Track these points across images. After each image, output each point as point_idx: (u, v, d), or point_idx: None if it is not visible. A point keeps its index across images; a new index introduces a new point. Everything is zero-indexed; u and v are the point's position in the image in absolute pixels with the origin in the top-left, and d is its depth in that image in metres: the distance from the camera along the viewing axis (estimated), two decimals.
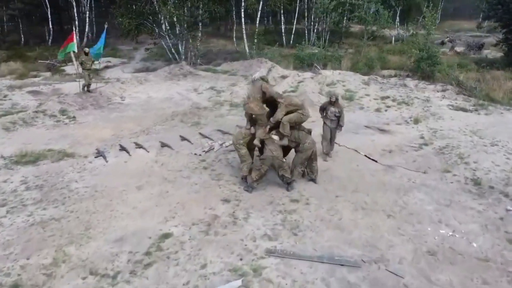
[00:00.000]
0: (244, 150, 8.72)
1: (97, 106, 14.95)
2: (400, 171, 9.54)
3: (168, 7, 19.63)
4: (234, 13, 26.55)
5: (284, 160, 8.46)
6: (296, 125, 8.73)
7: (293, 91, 16.42)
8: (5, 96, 15.82)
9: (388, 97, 15.60)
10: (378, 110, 14.57)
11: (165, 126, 12.93)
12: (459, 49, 29.04)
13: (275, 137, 8.37)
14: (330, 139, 10.28)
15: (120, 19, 20.80)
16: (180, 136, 11.74)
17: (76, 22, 30.99)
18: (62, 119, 13.43)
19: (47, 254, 6.28)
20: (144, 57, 25.77)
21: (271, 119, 8.51)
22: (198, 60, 23.24)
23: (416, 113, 13.85)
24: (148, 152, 10.60)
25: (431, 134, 11.97)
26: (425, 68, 18.67)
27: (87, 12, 31.55)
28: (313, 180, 8.94)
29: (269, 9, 28.39)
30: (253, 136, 8.82)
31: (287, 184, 8.54)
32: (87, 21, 31.89)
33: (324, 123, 10.29)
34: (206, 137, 11.80)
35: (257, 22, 25.85)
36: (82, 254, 6.35)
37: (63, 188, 8.51)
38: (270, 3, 25.87)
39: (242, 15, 24.09)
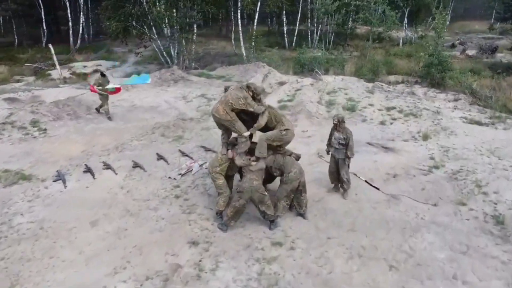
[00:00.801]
0: (221, 181, 7.33)
1: (74, 116, 13.62)
2: (406, 202, 8.08)
3: (158, 8, 18.28)
4: (233, 14, 25.15)
5: (266, 193, 7.01)
6: (279, 148, 7.33)
7: (289, 100, 15.00)
8: None
9: (394, 107, 14.09)
10: (382, 122, 13.08)
11: (144, 141, 11.57)
12: (470, 52, 27.35)
13: (253, 164, 6.96)
14: (337, 173, 8.31)
15: (108, 22, 19.51)
16: (157, 154, 10.39)
17: (70, 23, 29.74)
18: (32, 131, 12.13)
19: None
20: (137, 61, 24.48)
21: (254, 125, 7.14)
22: (193, 64, 21.90)
23: (425, 127, 12.34)
24: (116, 174, 9.26)
25: (443, 153, 10.48)
26: (435, 75, 17.14)
27: (81, 13, 30.28)
28: (302, 215, 7.52)
29: (271, 10, 26.89)
30: (231, 162, 7.43)
31: (270, 222, 7.13)
32: (82, 22, 30.63)
33: (329, 152, 8.53)
34: (186, 155, 10.44)
35: (255, 23, 24.43)
36: None
37: (3, 223, 7.18)
38: (269, 4, 24.42)
39: (239, 17, 22.70)
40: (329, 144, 8.37)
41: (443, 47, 19.81)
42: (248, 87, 7.34)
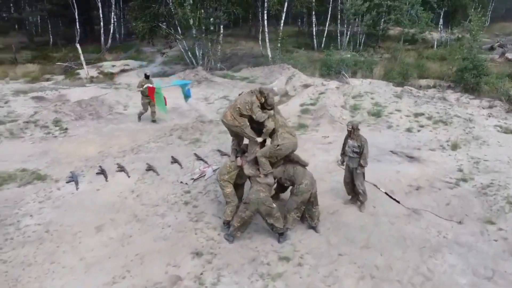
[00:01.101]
0: (229, 189, 7.04)
1: (96, 116, 13.72)
2: (427, 218, 7.52)
3: (184, 9, 18.22)
4: (260, 14, 24.85)
5: (274, 205, 6.64)
6: (287, 158, 6.95)
7: (312, 104, 14.53)
8: (6, 102, 14.94)
9: (422, 113, 13.37)
10: (409, 130, 12.42)
11: (160, 143, 11.45)
12: (510, 55, 25.88)
13: (260, 177, 6.63)
14: (353, 183, 7.81)
15: (134, 23, 19.65)
16: (172, 157, 10.23)
17: (102, 23, 30.31)
18: (53, 131, 12.27)
19: None
20: (165, 61, 24.59)
21: (264, 130, 6.81)
22: (219, 65, 21.75)
23: (455, 136, 11.61)
24: (129, 177, 9.15)
25: (472, 165, 9.78)
26: (469, 80, 16.21)
27: (112, 13, 30.81)
28: (314, 228, 7.12)
29: (297, 10, 26.39)
30: (241, 170, 7.13)
31: (279, 234, 6.77)
32: (113, 21, 31.17)
33: (343, 162, 8.08)
34: (201, 159, 10.23)
35: (281, 24, 24.01)
36: None
37: (12, 224, 7.17)
38: (296, 4, 23.95)
39: (265, 17, 22.36)
40: (343, 153, 7.94)
41: (480, 50, 18.79)
42: (260, 92, 6.99)
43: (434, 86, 17.74)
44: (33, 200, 8.08)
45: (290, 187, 7.16)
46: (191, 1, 18.25)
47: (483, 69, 16.23)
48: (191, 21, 18.80)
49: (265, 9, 21.99)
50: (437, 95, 15.90)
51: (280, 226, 6.68)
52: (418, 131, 12.34)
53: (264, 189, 6.58)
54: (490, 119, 13.14)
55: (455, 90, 16.64)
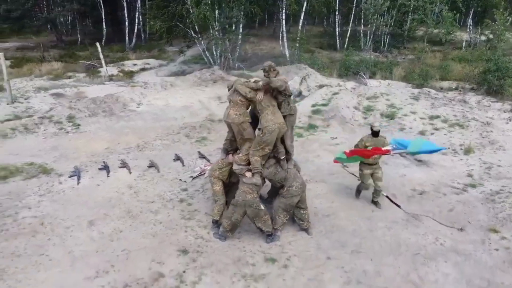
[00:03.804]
0: (218, 187, 6.99)
1: (109, 113, 13.95)
2: (427, 224, 7.22)
3: (200, 8, 18.29)
4: (281, 14, 24.68)
5: (261, 207, 6.51)
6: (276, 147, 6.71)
7: (324, 105, 14.29)
8: (26, 98, 15.42)
9: (438, 116, 12.91)
10: (422, 132, 12.02)
11: (166, 141, 11.53)
12: None
13: (248, 174, 6.51)
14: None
15: (152, 22, 19.89)
16: (175, 154, 10.27)
17: (127, 23, 30.92)
18: (66, 126, 12.54)
19: None
20: (184, 60, 24.80)
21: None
22: (237, 64, 21.73)
23: (470, 140, 11.14)
24: (130, 173, 9.24)
25: (484, 170, 9.36)
26: (492, 82, 15.51)
27: (137, 13, 31.38)
28: (305, 230, 6.95)
29: (316, 10, 26.01)
30: (232, 169, 7.05)
31: (267, 235, 6.64)
32: (139, 21, 31.73)
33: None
34: (204, 157, 10.23)
35: (300, 24, 23.74)
36: None
37: (10, 216, 7.34)
38: (313, 4, 23.62)
39: (284, 17, 22.18)
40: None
41: (505, 51, 17.94)
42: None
43: (456, 88, 17.08)
44: (34, 193, 8.27)
45: (279, 191, 6.99)
46: (208, 1, 18.27)
47: (507, 71, 15.48)
48: (208, 21, 18.83)
49: (283, 9, 21.81)
50: (457, 97, 15.29)
51: (269, 229, 6.55)
52: (432, 134, 11.93)
53: (251, 191, 6.46)
54: (510, 123, 12.54)
55: (477, 93, 15.94)
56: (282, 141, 6.72)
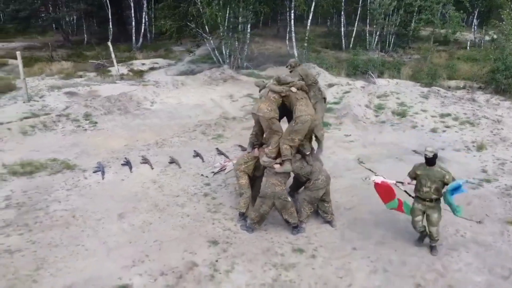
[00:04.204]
0: (244, 180, 7.21)
1: (124, 111, 14.17)
2: (446, 217, 7.30)
3: (212, 8, 18.53)
4: (288, 14, 24.93)
5: (289, 199, 6.75)
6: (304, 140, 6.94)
7: (336, 103, 14.52)
8: (41, 97, 15.65)
9: (449, 114, 13.14)
10: (434, 130, 12.24)
11: (184, 138, 11.76)
12: None
13: (276, 166, 6.72)
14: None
15: (162, 22, 20.15)
16: (194, 151, 10.49)
17: (134, 23, 31.14)
18: (83, 124, 12.77)
19: None
20: (192, 60, 25.04)
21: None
22: (245, 64, 21.97)
23: (482, 137, 11.38)
24: (152, 169, 9.46)
25: (497, 166, 9.59)
26: (501, 81, 15.74)
27: (144, 13, 31.61)
28: (329, 222, 7.18)
29: (324, 10, 26.28)
30: (258, 162, 7.28)
31: (293, 227, 6.87)
32: (145, 21, 31.96)
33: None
34: (222, 153, 10.46)
35: (308, 24, 23.97)
36: None
37: (41, 209, 7.57)
38: (322, 4, 23.87)
39: (292, 17, 22.40)
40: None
41: None
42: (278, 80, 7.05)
43: (463, 87, 17.31)
44: (61, 188, 8.49)
45: (305, 184, 7.23)
46: (220, 1, 18.51)
47: None
48: (219, 20, 19.07)
49: (292, 9, 22.03)
50: (466, 96, 15.54)
51: (294, 220, 6.77)
52: (443, 131, 12.16)
53: (280, 183, 6.68)
54: None
55: (485, 92, 16.17)
56: (309, 137, 6.97)
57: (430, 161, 6.12)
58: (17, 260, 6.06)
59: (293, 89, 6.66)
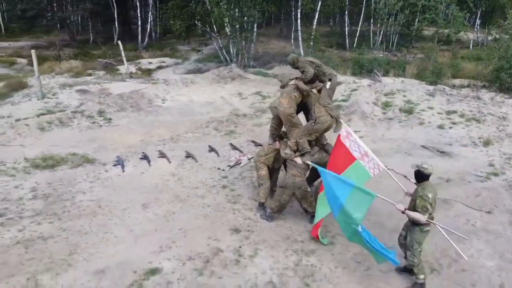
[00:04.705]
0: (264, 172, 7.52)
1: (136, 108, 14.49)
2: (457, 207, 7.76)
3: (220, 8, 18.85)
4: (293, 14, 25.25)
5: (308, 190, 7.08)
6: (321, 144, 7.36)
7: (344, 100, 14.83)
8: (54, 94, 15.94)
9: (455, 111, 13.45)
10: (441, 126, 12.54)
11: (197, 133, 12.07)
12: None
13: (297, 159, 7.04)
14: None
15: (172, 22, 20.47)
16: (209, 146, 10.80)
17: (139, 22, 31.47)
18: (98, 120, 13.09)
19: (17, 283, 5.55)
20: (199, 58, 25.37)
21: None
22: (251, 62, 22.28)
23: (488, 133, 11.69)
24: (170, 162, 9.78)
25: (504, 161, 9.88)
26: (505, 79, 16.03)
27: (149, 13, 31.92)
28: None
29: (331, 10, 26.59)
30: (277, 154, 7.59)
31: (311, 216, 7.18)
32: (150, 21, 32.27)
33: None
34: (236, 148, 10.76)
35: (314, 23, 24.29)
36: (55, 286, 5.54)
37: (67, 199, 7.89)
38: (329, 4, 24.17)
39: (298, 16, 22.71)
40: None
41: None
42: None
43: (468, 86, 17.59)
44: (84, 180, 8.81)
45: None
46: (228, 0, 18.82)
47: None
48: (226, 20, 19.38)
49: (298, 8, 22.33)
50: (471, 94, 15.83)
51: (313, 210, 7.08)
52: (450, 128, 12.46)
53: (300, 174, 7.00)
54: None
55: (490, 90, 16.46)
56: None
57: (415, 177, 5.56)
58: (51, 246, 6.38)
59: (314, 90, 7.05)
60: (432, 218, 5.45)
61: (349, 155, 6.70)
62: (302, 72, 7.28)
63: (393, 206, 5.62)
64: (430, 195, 5.21)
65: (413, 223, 5.48)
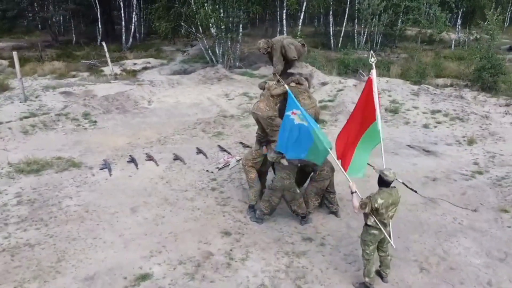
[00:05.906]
0: (253, 175, 7.50)
1: (122, 110, 14.33)
2: (443, 206, 7.88)
3: (206, 8, 18.77)
4: (278, 14, 25.32)
5: (297, 191, 7.11)
6: None
7: (330, 101, 14.94)
8: (36, 97, 15.62)
9: (439, 111, 13.69)
10: (426, 126, 12.74)
11: (185, 135, 12.00)
12: None
13: (283, 161, 7.04)
14: None
15: (157, 23, 20.32)
16: (197, 148, 10.75)
17: (123, 23, 31.14)
18: (83, 123, 12.90)
19: None
20: (184, 59, 25.23)
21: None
22: (237, 63, 22.26)
23: (472, 132, 11.92)
24: (157, 165, 9.70)
25: (488, 159, 10.08)
26: (486, 78, 16.36)
27: (133, 13, 31.59)
28: (334, 213, 7.54)
29: (316, 10, 26.79)
30: (265, 158, 7.59)
31: (301, 218, 7.21)
32: (134, 22, 31.95)
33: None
34: (224, 150, 10.73)
35: (299, 24, 24.41)
36: None
37: (54, 205, 7.76)
38: (314, 4, 24.31)
39: (284, 16, 22.79)
40: None
41: (498, 50, 18.87)
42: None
43: (451, 85, 17.90)
44: (70, 184, 8.67)
45: (311, 176, 7.57)
46: (214, 1, 18.76)
47: (500, 68, 16.36)
48: (212, 20, 19.31)
49: (284, 8, 22.40)
50: (454, 93, 16.09)
51: (303, 211, 7.11)
52: (435, 127, 12.66)
53: (288, 176, 7.00)
54: (507, 116, 13.35)
55: (472, 89, 16.78)
56: None
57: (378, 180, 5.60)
58: (38, 253, 6.26)
59: (292, 84, 6.98)
60: (386, 226, 5.52)
61: (373, 110, 5.96)
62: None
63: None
64: (379, 201, 5.30)
65: (365, 223, 5.59)
